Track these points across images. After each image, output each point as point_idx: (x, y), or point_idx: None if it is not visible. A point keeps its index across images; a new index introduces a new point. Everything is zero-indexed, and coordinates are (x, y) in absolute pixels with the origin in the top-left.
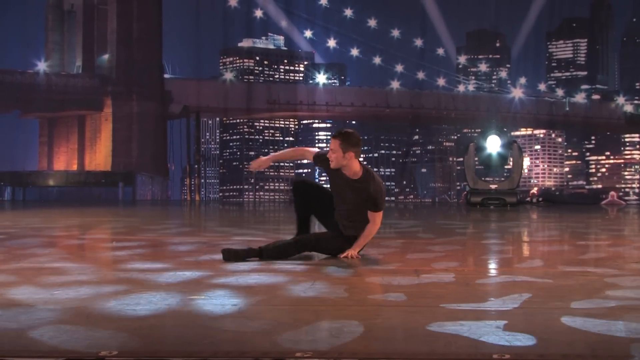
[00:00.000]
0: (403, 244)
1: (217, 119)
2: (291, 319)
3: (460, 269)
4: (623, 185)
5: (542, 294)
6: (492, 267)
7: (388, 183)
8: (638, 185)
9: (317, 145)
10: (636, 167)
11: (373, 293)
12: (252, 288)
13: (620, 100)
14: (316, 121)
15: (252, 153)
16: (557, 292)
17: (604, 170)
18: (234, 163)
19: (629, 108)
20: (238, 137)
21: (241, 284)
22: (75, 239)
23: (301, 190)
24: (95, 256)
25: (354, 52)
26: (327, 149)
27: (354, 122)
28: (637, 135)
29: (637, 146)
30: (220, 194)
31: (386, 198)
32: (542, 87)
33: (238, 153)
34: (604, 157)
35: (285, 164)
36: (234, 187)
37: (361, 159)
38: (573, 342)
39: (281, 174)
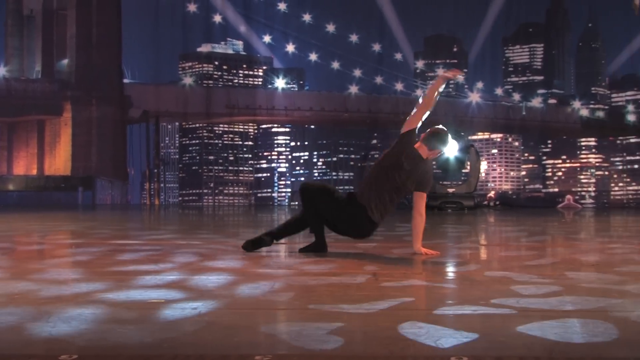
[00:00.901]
0: (362, 248)
1: (177, 123)
2: (251, 322)
3: (418, 272)
4: (579, 189)
5: (497, 296)
6: (451, 270)
7: (347, 187)
8: (594, 188)
9: (275, 149)
10: (592, 170)
11: (334, 296)
12: (212, 291)
13: (576, 104)
14: (275, 125)
15: (212, 157)
16: (512, 295)
17: (560, 173)
18: (194, 167)
19: (584, 112)
20: (197, 141)
21: (201, 287)
22: (35, 244)
23: (308, 194)
24: (57, 258)
25: (313, 57)
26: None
27: (312, 126)
28: (592, 139)
29: (593, 150)
30: (180, 198)
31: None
32: (499, 91)
33: (197, 157)
34: (560, 161)
35: (245, 169)
36: (194, 191)
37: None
38: (531, 345)
39: (240, 178)
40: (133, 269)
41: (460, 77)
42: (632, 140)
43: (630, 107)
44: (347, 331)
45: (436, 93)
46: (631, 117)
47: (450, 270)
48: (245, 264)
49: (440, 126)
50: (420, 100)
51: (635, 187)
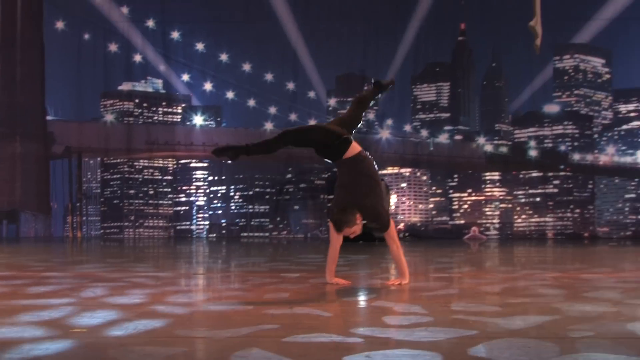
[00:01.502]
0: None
1: (98, 159)
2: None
3: (313, 300)
4: (484, 221)
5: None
6: (345, 299)
7: (262, 220)
8: (498, 220)
9: (194, 184)
10: (496, 203)
11: (249, 324)
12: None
13: (481, 140)
14: (194, 160)
15: (132, 191)
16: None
17: (466, 206)
18: (115, 201)
19: (489, 148)
20: (118, 176)
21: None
22: None
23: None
24: None
25: (230, 95)
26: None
27: (229, 161)
28: (497, 173)
29: (497, 184)
30: (102, 231)
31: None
32: (407, 128)
33: (118, 191)
34: (466, 194)
35: (164, 202)
36: (115, 224)
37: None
38: None
39: (160, 211)
40: (27, 303)
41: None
42: (534, 175)
43: (532, 143)
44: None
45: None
46: (533, 153)
47: (345, 299)
48: (147, 300)
49: None
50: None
51: (537, 219)
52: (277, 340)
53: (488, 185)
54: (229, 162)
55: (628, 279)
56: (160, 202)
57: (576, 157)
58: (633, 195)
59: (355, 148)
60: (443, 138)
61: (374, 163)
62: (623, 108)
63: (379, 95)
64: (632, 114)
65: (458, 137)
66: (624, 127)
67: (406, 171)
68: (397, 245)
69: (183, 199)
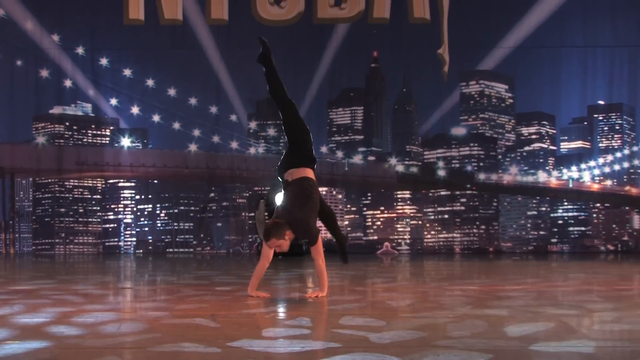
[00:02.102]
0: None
1: (30, 179)
2: None
3: (251, 313)
4: (396, 237)
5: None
6: (281, 310)
7: (187, 236)
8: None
9: (122, 202)
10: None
11: (176, 336)
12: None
13: (393, 161)
14: (122, 180)
15: (63, 210)
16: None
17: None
18: (46, 219)
19: (400, 168)
20: (50, 195)
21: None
22: None
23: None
24: None
25: (156, 118)
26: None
27: (155, 181)
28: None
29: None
30: (34, 247)
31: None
32: (324, 149)
33: (50, 210)
34: (379, 212)
35: (94, 220)
36: (46, 240)
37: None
38: None
39: (89, 228)
40: None
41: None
42: (442, 193)
43: (441, 164)
44: None
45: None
46: (441, 172)
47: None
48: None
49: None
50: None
51: (446, 235)
52: (141, 350)
53: (400, 203)
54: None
55: (529, 290)
56: (90, 219)
57: (482, 176)
58: (535, 213)
59: (299, 173)
60: (357, 159)
61: (316, 186)
62: (525, 131)
63: (266, 65)
64: (533, 136)
65: (371, 157)
66: (526, 148)
67: (323, 190)
68: (322, 259)
69: (111, 217)
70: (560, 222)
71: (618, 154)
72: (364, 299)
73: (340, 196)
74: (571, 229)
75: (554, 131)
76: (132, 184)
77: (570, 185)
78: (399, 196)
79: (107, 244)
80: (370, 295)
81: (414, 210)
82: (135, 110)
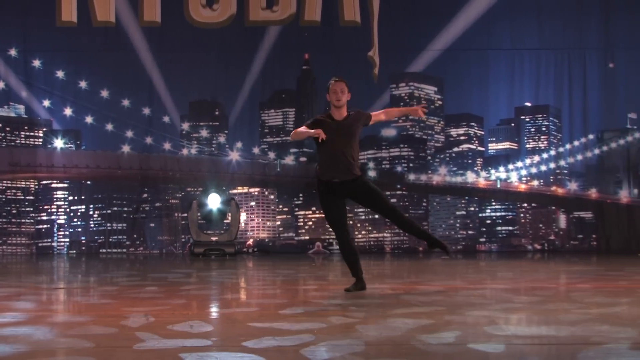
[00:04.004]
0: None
1: None
2: None
3: (186, 312)
4: (327, 237)
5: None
6: (214, 310)
7: (120, 237)
8: None
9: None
10: None
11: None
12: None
13: None
14: (55, 181)
15: None
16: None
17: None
18: None
19: None
20: None
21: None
22: None
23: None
24: None
25: (89, 119)
26: (333, 93)
27: (89, 182)
28: None
29: None
30: None
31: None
32: (256, 150)
33: None
34: (310, 212)
35: (27, 221)
36: None
37: None
38: None
39: (22, 229)
40: None
41: (423, 117)
42: None
43: (371, 164)
44: None
45: (397, 116)
46: (372, 173)
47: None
48: None
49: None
50: (384, 114)
51: (376, 235)
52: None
53: None
54: None
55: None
56: (23, 220)
57: (412, 177)
58: (463, 212)
59: None
60: (289, 160)
61: None
62: (454, 132)
63: None
64: (462, 138)
65: (303, 159)
66: (455, 149)
67: (255, 190)
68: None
69: (45, 218)
70: (488, 221)
71: (545, 155)
72: (294, 298)
73: (272, 197)
74: (499, 228)
75: (482, 132)
76: (66, 185)
77: (498, 186)
78: None
79: (40, 244)
80: (300, 294)
81: None
82: (68, 111)
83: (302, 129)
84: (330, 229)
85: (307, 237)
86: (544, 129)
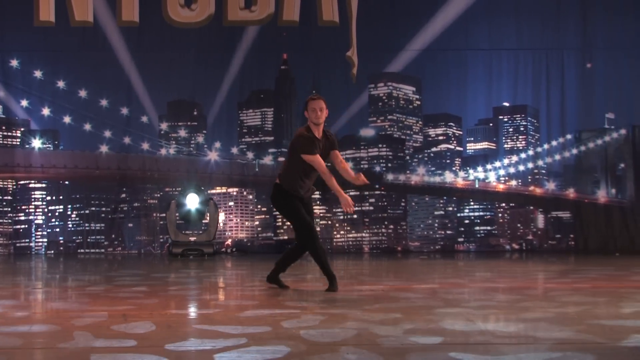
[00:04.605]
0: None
1: None
2: None
3: (163, 312)
4: None
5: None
6: (192, 311)
7: (98, 237)
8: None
9: (33, 203)
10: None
11: (87, 336)
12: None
13: None
14: (33, 182)
15: None
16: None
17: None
18: None
19: None
20: None
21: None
22: None
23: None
24: None
25: (67, 119)
26: (312, 111)
27: (67, 182)
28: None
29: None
30: None
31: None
32: (234, 150)
33: None
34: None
35: (4, 221)
36: None
37: None
38: None
39: (0, 229)
40: None
41: (350, 210)
42: (352, 194)
43: (350, 164)
44: None
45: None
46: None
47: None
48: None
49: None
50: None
51: (355, 235)
52: (51, 349)
53: None
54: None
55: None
56: (0, 221)
57: (390, 177)
58: (442, 212)
59: None
60: (268, 160)
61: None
62: (432, 132)
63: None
64: (440, 137)
65: (281, 158)
66: (433, 149)
67: (233, 191)
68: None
69: (22, 218)
70: (466, 221)
71: (523, 155)
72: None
73: (250, 197)
74: (477, 228)
75: (461, 132)
76: (43, 185)
77: (477, 186)
78: None
79: (18, 244)
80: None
81: (323, 211)
82: (46, 111)
83: (328, 173)
84: (300, 230)
85: (285, 237)
86: (522, 129)
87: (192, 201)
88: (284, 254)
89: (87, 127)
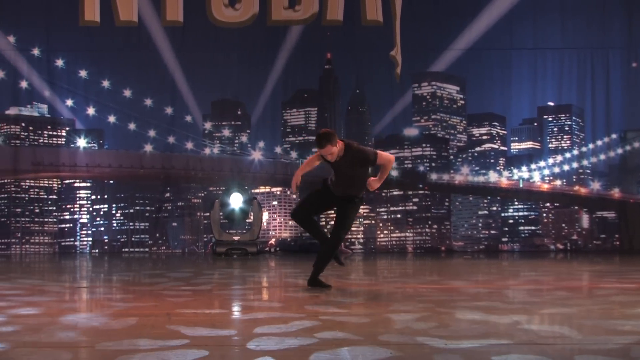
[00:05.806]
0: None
1: None
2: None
3: (207, 311)
4: (349, 236)
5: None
6: (236, 310)
7: (142, 236)
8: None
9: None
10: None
11: (131, 335)
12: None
13: None
14: (77, 181)
15: (19, 210)
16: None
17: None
18: (2, 219)
19: None
20: (5, 195)
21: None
22: None
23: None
24: None
25: (111, 119)
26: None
27: (111, 181)
28: None
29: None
30: None
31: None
32: (278, 150)
33: (5, 210)
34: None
35: (50, 220)
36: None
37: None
38: None
39: (45, 228)
40: None
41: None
42: (395, 193)
43: (394, 164)
44: None
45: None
46: (394, 173)
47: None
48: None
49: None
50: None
51: (398, 234)
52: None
53: None
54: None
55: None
56: (46, 219)
57: (434, 176)
58: (485, 212)
59: None
60: None
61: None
62: (476, 131)
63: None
64: (484, 137)
65: None
66: (477, 149)
67: (277, 190)
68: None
69: (67, 217)
70: (510, 221)
71: (567, 155)
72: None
73: (294, 196)
74: (521, 228)
75: (505, 132)
76: (88, 184)
77: (521, 185)
78: None
79: (63, 243)
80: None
81: (367, 210)
82: (90, 111)
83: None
84: (345, 232)
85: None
86: (566, 128)
87: (236, 200)
88: (317, 255)
89: (132, 126)
